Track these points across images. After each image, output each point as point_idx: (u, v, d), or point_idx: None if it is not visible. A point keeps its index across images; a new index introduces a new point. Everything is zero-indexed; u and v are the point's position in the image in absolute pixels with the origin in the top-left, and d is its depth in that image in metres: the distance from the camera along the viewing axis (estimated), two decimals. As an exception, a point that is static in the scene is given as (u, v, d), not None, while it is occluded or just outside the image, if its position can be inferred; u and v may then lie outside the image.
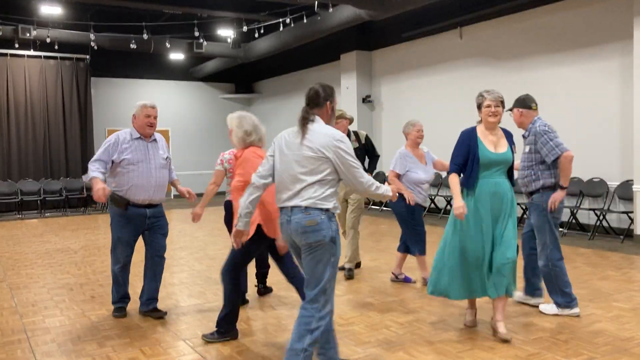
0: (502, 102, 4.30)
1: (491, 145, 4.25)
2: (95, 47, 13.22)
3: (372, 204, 13.26)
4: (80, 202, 14.44)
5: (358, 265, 6.80)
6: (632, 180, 8.37)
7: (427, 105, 12.09)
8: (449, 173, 4.34)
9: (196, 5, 11.78)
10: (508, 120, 5.03)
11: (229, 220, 5.23)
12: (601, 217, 8.68)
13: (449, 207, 11.30)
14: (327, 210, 3.23)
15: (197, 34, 12.94)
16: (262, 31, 12.79)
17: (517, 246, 4.24)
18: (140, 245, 4.97)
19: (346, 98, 13.61)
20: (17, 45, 13.42)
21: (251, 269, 5.68)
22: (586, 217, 9.14)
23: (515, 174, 4.61)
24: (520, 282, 5.21)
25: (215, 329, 4.34)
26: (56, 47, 13.35)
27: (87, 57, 14.86)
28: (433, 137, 9.33)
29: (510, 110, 4.90)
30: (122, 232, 4.80)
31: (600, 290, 5.60)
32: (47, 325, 4.84)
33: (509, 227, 4.20)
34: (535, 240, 4.90)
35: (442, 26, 11.50)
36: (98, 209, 14.46)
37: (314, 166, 3.23)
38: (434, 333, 4.43)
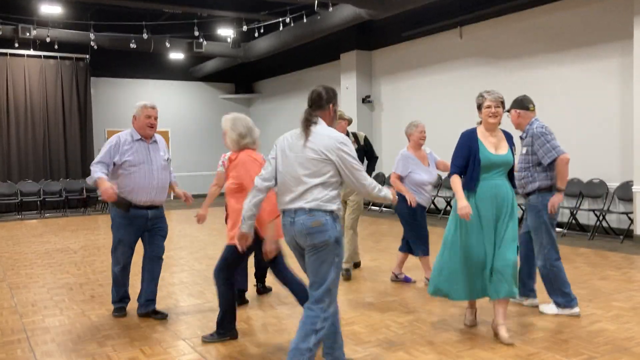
0: (503, 103, 4.27)
1: (492, 146, 4.22)
2: (95, 47, 13.21)
3: (372, 205, 13.26)
4: (80, 202, 14.43)
5: (358, 265, 6.80)
6: (632, 181, 8.37)
7: (427, 105, 12.09)
8: (450, 175, 4.30)
9: (196, 5, 11.77)
10: (506, 121, 5.03)
11: None
12: (601, 218, 8.68)
13: (448, 207, 11.31)
14: (331, 211, 3.25)
15: (197, 33, 12.93)
16: (262, 31, 12.79)
17: (518, 247, 4.22)
18: (139, 245, 4.97)
19: (346, 98, 13.60)
20: (17, 45, 13.43)
21: (250, 268, 5.69)
22: (586, 218, 9.14)
23: None
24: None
25: (214, 330, 4.34)
26: (56, 46, 13.34)
27: (87, 56, 14.86)
28: (433, 137, 9.31)
29: (508, 111, 4.89)
30: (123, 233, 4.79)
31: (600, 290, 5.60)
32: (47, 324, 4.83)
33: (510, 229, 4.17)
34: (532, 242, 4.90)
35: (442, 26, 11.50)
36: (98, 210, 14.46)
37: (316, 168, 3.24)
38: (434, 333, 4.43)
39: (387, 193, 3.40)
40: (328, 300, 3.27)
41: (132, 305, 5.07)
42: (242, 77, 18.28)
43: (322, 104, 3.38)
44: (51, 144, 14.55)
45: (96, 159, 4.67)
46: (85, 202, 14.31)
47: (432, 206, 11.76)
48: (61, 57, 14.62)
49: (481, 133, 4.28)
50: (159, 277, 5.03)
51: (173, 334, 4.53)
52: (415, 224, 5.79)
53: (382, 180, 13.03)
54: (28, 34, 12.30)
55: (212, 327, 4.50)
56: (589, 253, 7.54)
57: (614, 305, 5.07)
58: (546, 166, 4.67)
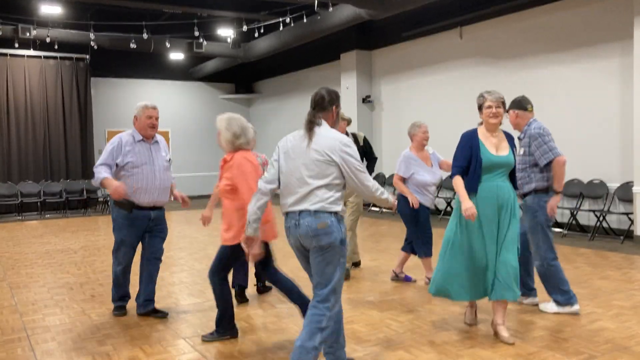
0: (504, 103, 4.24)
1: (493, 147, 4.19)
2: (95, 47, 13.21)
3: (372, 206, 13.26)
4: (80, 203, 14.43)
5: (358, 264, 6.81)
6: (632, 182, 8.36)
7: (427, 105, 12.09)
8: (452, 175, 4.26)
9: (196, 5, 11.78)
10: (504, 122, 5.03)
11: None
12: (601, 218, 8.68)
13: (449, 208, 11.31)
14: (336, 213, 3.28)
15: (197, 33, 12.94)
16: (262, 31, 12.79)
17: (518, 249, 4.19)
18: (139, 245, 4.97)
19: (346, 98, 13.61)
20: (17, 45, 13.43)
21: (251, 268, 5.68)
22: (586, 218, 9.14)
23: None
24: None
25: (214, 329, 4.34)
26: (56, 46, 13.35)
27: (87, 57, 14.86)
28: (433, 137, 9.24)
29: (506, 111, 4.90)
30: (125, 234, 4.78)
31: (601, 289, 5.60)
32: (47, 323, 4.83)
33: (511, 230, 4.14)
34: (528, 242, 4.91)
35: (442, 26, 11.50)
36: (98, 211, 14.47)
37: (320, 170, 3.26)
38: (434, 332, 4.42)
39: (388, 197, 3.45)
40: (333, 299, 3.30)
41: (132, 304, 5.07)
42: (242, 77, 18.29)
43: (325, 106, 3.41)
44: (51, 145, 14.55)
45: (99, 161, 4.66)
46: (85, 203, 14.31)
47: (432, 207, 11.75)
48: (61, 57, 14.62)
49: (482, 134, 4.25)
50: (158, 277, 5.03)
51: (173, 332, 4.53)
52: (418, 225, 5.79)
53: (382, 180, 13.04)
54: (28, 34, 12.30)
55: (212, 326, 4.50)
56: (590, 253, 7.54)
57: (614, 305, 5.07)
58: (543, 167, 4.68)
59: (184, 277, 6.53)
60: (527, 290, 5.04)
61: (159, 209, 4.87)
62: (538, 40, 9.84)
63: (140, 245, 4.95)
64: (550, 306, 4.82)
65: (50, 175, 14.47)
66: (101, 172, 4.57)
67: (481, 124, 4.32)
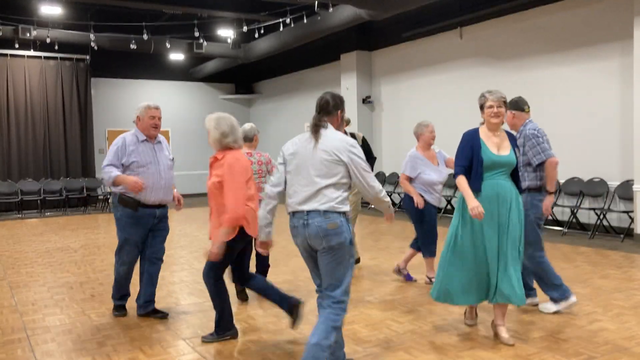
0: (505, 103, 4.21)
1: (494, 146, 4.16)
2: (95, 48, 13.21)
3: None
4: (80, 201, 14.46)
5: (357, 261, 6.80)
6: (632, 180, 8.37)
7: (427, 105, 12.09)
8: (455, 175, 4.23)
9: (196, 6, 11.78)
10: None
11: None
12: (601, 217, 8.68)
13: (449, 207, 11.31)
14: (344, 213, 3.33)
15: (197, 34, 12.94)
16: (262, 31, 12.79)
17: (520, 252, 4.14)
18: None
19: (346, 98, 13.50)
20: (17, 46, 13.43)
21: (251, 268, 5.69)
22: (586, 217, 9.14)
23: None
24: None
25: (213, 330, 4.35)
26: (56, 47, 13.35)
27: (87, 57, 14.87)
28: (433, 137, 9.34)
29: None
30: (130, 232, 4.76)
31: (601, 289, 5.60)
32: (47, 324, 4.84)
33: (513, 231, 4.10)
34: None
35: (442, 26, 11.50)
36: (98, 209, 14.47)
37: (328, 169, 3.32)
38: (434, 332, 4.43)
39: (389, 204, 3.55)
40: (347, 299, 3.39)
41: (132, 305, 5.07)
42: (242, 78, 18.29)
43: (330, 110, 3.48)
44: (51, 144, 14.57)
45: (105, 162, 4.67)
46: (85, 201, 14.33)
47: (440, 206, 11.75)
48: (61, 58, 14.63)
49: (484, 133, 4.22)
50: (158, 278, 5.03)
51: (173, 333, 4.53)
52: (423, 224, 5.79)
53: (383, 178, 13.04)
54: (28, 35, 12.31)
55: (212, 326, 4.50)
56: (590, 252, 7.54)
57: (615, 304, 5.07)
58: (535, 167, 4.76)
59: (185, 276, 6.54)
60: (527, 290, 5.04)
61: (163, 207, 4.89)
62: (538, 40, 9.84)
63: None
64: (548, 306, 4.83)
65: (50, 174, 14.49)
66: (112, 171, 4.59)
67: (483, 123, 4.30)
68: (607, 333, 4.32)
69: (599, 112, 8.96)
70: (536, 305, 4.98)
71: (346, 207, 3.34)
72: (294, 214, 3.40)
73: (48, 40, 12.72)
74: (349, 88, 13.71)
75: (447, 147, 6.26)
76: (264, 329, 4.60)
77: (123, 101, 16.40)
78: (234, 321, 4.42)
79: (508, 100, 4.90)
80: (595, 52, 8.99)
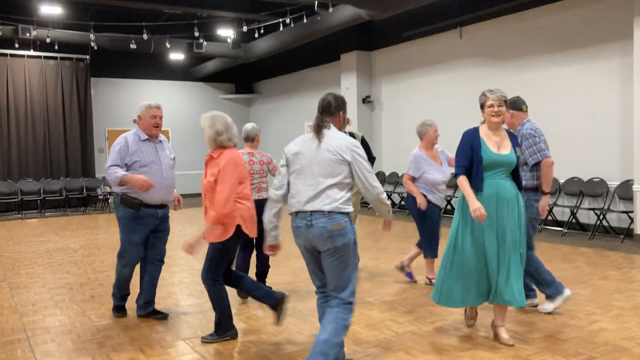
0: (506, 102, 4.18)
1: (494, 146, 4.13)
2: (95, 47, 13.21)
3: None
4: (80, 202, 14.46)
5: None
6: (632, 180, 8.37)
7: (427, 105, 12.09)
8: (456, 175, 4.19)
9: (196, 5, 11.78)
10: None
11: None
12: (601, 217, 8.68)
13: (449, 207, 11.31)
14: (348, 213, 3.35)
15: (197, 34, 12.93)
16: (262, 31, 12.79)
17: (521, 255, 4.11)
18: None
19: (346, 98, 13.52)
20: (17, 45, 13.43)
21: (251, 268, 5.69)
22: (586, 217, 9.14)
23: None
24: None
25: (213, 330, 4.35)
26: (56, 47, 13.35)
27: (87, 57, 14.87)
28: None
29: None
30: (134, 233, 4.72)
31: (601, 290, 5.60)
32: (47, 324, 4.84)
33: (513, 232, 4.07)
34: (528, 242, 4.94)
35: (442, 26, 11.50)
36: (98, 209, 14.47)
37: (332, 169, 3.33)
38: (434, 332, 4.43)
39: (390, 207, 3.56)
40: (354, 300, 3.42)
41: (132, 305, 5.06)
42: (242, 78, 18.29)
43: (332, 111, 3.51)
44: (51, 144, 14.57)
45: (109, 163, 4.64)
46: (85, 201, 14.33)
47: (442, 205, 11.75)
48: (61, 58, 14.63)
49: (484, 132, 4.20)
50: (159, 279, 5.03)
51: (173, 334, 4.53)
52: (426, 224, 5.78)
53: (382, 178, 13.04)
54: (28, 35, 12.31)
55: (211, 327, 4.50)
56: (590, 252, 7.54)
57: (615, 305, 5.07)
58: (531, 167, 4.79)
59: (184, 277, 6.54)
60: (527, 291, 5.04)
61: (165, 207, 4.88)
62: (538, 40, 9.84)
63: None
64: (546, 305, 4.83)
65: (50, 174, 14.49)
66: (117, 171, 4.57)
67: (484, 122, 4.27)
68: (607, 333, 4.32)
69: (599, 112, 8.96)
70: (536, 306, 4.98)
71: (350, 208, 3.36)
72: (296, 214, 3.40)
73: (48, 40, 12.72)
74: (348, 88, 13.72)
75: (447, 147, 6.26)
76: (264, 329, 4.60)
77: (123, 101, 16.40)
78: (234, 321, 4.42)
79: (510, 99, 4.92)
80: (595, 52, 8.99)
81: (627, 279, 6.04)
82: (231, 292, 5.20)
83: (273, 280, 6.17)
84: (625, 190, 8.54)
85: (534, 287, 5.08)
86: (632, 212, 8.35)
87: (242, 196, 4.15)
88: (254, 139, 5.62)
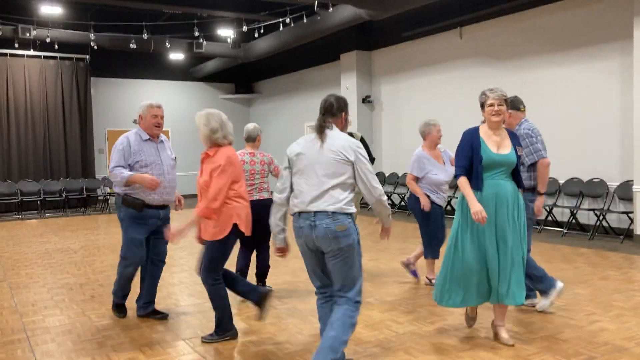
0: (506, 101, 4.14)
1: (494, 145, 4.10)
2: (95, 47, 13.21)
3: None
4: (80, 202, 14.45)
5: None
6: (632, 181, 8.37)
7: (427, 105, 12.09)
8: (456, 176, 4.17)
9: (196, 5, 11.78)
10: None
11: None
12: (601, 218, 8.68)
13: (448, 207, 11.31)
14: (351, 214, 3.36)
15: (197, 33, 12.93)
16: (262, 31, 12.79)
17: (522, 255, 4.09)
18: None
19: (346, 98, 13.58)
20: (17, 45, 13.43)
21: (251, 268, 5.69)
22: (586, 218, 9.14)
23: None
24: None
25: (213, 330, 4.35)
26: (56, 47, 13.35)
27: (87, 57, 14.87)
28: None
29: None
30: (136, 232, 4.68)
31: (601, 290, 5.60)
32: (47, 324, 4.83)
33: (514, 233, 4.06)
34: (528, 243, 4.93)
35: (442, 26, 11.50)
36: (98, 210, 14.46)
37: (335, 169, 3.34)
38: (434, 332, 4.42)
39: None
40: (361, 299, 3.45)
41: (132, 305, 5.06)
42: (242, 77, 18.29)
43: (334, 113, 3.56)
44: (51, 144, 14.56)
45: (113, 164, 4.61)
46: (85, 201, 14.33)
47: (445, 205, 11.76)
48: (61, 58, 14.63)
49: (484, 132, 4.17)
50: (159, 279, 5.03)
51: (173, 334, 4.52)
52: (428, 224, 5.78)
53: (382, 178, 13.04)
54: (28, 34, 12.30)
55: (211, 327, 4.50)
56: (589, 253, 7.54)
57: (615, 305, 5.07)
58: (528, 167, 4.79)
59: (184, 277, 6.54)
60: (527, 291, 5.04)
61: (166, 208, 4.87)
62: (538, 40, 9.84)
63: None
64: (543, 303, 4.83)
65: (50, 174, 14.48)
66: (123, 172, 4.55)
67: (484, 122, 4.24)
68: (607, 333, 4.32)
69: (598, 112, 8.95)
70: (535, 306, 4.98)
71: (353, 209, 3.37)
72: (299, 214, 3.39)
73: (48, 40, 12.72)
74: (348, 88, 13.72)
75: (447, 147, 6.25)
76: (264, 329, 4.60)
77: (123, 101, 16.39)
78: (234, 321, 4.42)
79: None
80: (595, 52, 8.99)
81: (627, 279, 6.04)
82: (231, 292, 5.21)
83: (273, 280, 6.17)
84: (625, 191, 8.54)
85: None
86: (632, 212, 8.34)
87: (238, 195, 4.16)
88: (255, 139, 5.62)
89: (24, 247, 8.90)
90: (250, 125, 5.65)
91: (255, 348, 4.17)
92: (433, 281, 5.87)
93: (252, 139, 5.61)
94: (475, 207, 3.94)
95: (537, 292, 5.11)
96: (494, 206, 4.05)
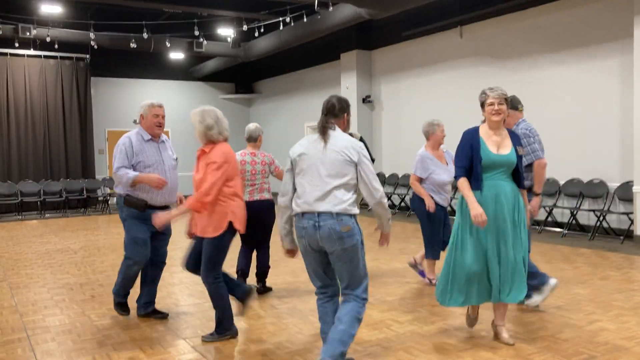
0: (507, 100, 4.11)
1: (494, 145, 4.07)
2: (95, 47, 13.21)
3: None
4: (80, 203, 14.44)
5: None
6: (632, 182, 8.36)
7: (427, 104, 12.09)
8: (456, 177, 4.13)
9: (196, 4, 11.77)
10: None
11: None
12: (601, 218, 8.68)
13: (448, 208, 11.30)
14: (355, 215, 3.39)
15: (197, 33, 12.94)
16: (262, 30, 12.79)
17: (523, 255, 4.07)
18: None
19: (346, 98, 13.60)
20: (17, 45, 13.43)
21: (251, 268, 5.69)
22: (586, 218, 9.14)
23: None
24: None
25: (214, 329, 4.35)
26: (56, 46, 13.35)
27: (87, 56, 14.86)
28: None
29: None
30: (139, 231, 4.63)
31: (601, 290, 5.60)
32: (47, 324, 4.83)
33: (514, 233, 4.04)
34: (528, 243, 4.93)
35: (442, 25, 11.50)
36: (98, 210, 14.46)
37: (338, 169, 3.35)
38: (434, 332, 4.43)
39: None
40: (367, 297, 3.51)
41: (133, 305, 5.06)
42: (242, 77, 18.28)
43: (336, 113, 3.56)
44: (51, 144, 14.56)
45: (116, 165, 4.57)
46: (85, 202, 14.32)
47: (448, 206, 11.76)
48: (61, 57, 14.62)
49: (484, 132, 4.13)
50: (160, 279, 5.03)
51: (173, 333, 4.53)
52: (430, 225, 5.77)
53: (383, 179, 13.03)
54: (28, 34, 12.30)
55: (212, 326, 4.50)
56: (589, 253, 7.54)
57: (615, 305, 5.07)
58: (525, 167, 4.73)
59: (184, 277, 6.54)
60: (527, 291, 5.04)
61: (167, 208, 4.84)
62: (538, 40, 9.84)
63: None
64: (535, 299, 4.81)
65: (50, 175, 14.47)
66: (129, 172, 4.52)
67: (484, 121, 4.21)
68: (607, 333, 4.32)
69: (599, 112, 8.96)
70: (536, 305, 4.98)
71: (357, 210, 3.39)
72: (303, 214, 3.39)
73: (48, 40, 12.72)
74: (348, 87, 13.72)
75: (447, 147, 6.25)
76: (264, 329, 4.60)
77: (123, 101, 16.38)
78: (234, 321, 4.42)
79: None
80: (595, 51, 8.99)
81: (627, 279, 6.04)
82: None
83: (273, 280, 6.17)
84: (625, 192, 8.54)
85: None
86: (632, 213, 8.34)
87: (233, 193, 4.17)
88: (256, 139, 5.62)
89: (24, 248, 8.90)
90: (252, 126, 5.65)
91: (255, 347, 4.17)
92: (433, 281, 5.87)
93: (253, 139, 5.60)
94: (475, 210, 3.92)
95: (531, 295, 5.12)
96: (493, 207, 4.03)
